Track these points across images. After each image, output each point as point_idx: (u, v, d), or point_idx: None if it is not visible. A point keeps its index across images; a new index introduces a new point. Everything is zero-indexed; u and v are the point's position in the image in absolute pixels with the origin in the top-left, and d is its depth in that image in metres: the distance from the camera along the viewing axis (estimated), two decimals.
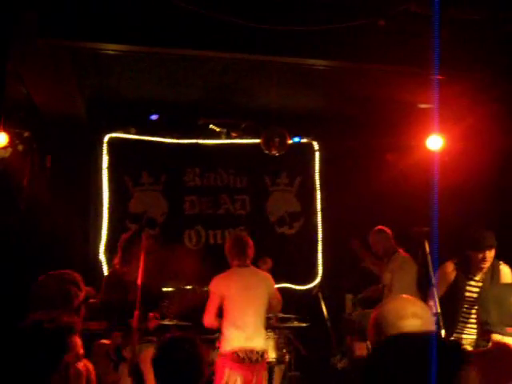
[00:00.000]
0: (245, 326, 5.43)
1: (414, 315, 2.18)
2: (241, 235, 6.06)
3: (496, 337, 3.99)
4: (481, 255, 5.28)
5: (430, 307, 4.30)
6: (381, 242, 6.43)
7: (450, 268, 5.46)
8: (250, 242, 5.76)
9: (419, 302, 2.39)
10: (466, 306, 5.30)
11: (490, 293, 4.91)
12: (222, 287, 5.53)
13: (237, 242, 5.76)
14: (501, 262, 5.37)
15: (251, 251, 5.73)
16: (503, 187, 7.00)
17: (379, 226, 6.55)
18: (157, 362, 3.20)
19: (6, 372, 2.11)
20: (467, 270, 5.39)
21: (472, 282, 5.37)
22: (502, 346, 3.13)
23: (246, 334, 5.41)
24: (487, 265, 5.32)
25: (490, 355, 3.13)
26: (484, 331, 3.25)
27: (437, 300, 4.73)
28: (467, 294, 5.33)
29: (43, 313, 2.49)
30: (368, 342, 4.99)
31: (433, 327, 2.22)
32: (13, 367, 2.14)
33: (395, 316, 2.18)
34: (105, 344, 4.91)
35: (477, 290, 5.33)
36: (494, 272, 5.32)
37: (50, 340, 2.30)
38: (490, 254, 5.30)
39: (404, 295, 2.48)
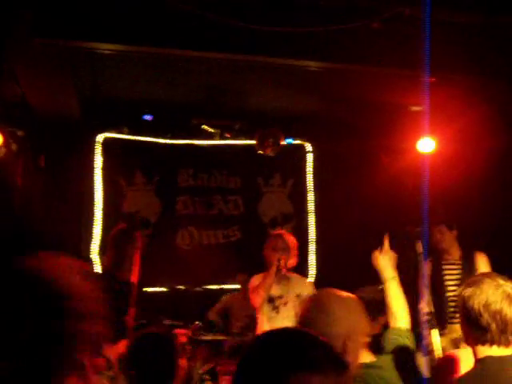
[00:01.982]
0: None
1: None
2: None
3: None
4: (438, 235, 5.68)
5: (422, 308, 4.37)
6: None
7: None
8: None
9: None
10: (451, 289, 5.48)
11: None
12: None
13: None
14: (477, 252, 5.60)
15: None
16: (496, 188, 7.07)
17: None
18: (129, 357, 3.22)
19: None
20: (435, 256, 5.72)
21: (447, 266, 5.60)
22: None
23: None
24: (445, 243, 5.71)
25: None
26: None
27: (429, 299, 4.78)
28: (447, 277, 5.54)
29: None
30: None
31: None
32: None
33: None
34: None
35: (457, 271, 5.53)
36: (469, 260, 5.55)
37: None
38: (441, 231, 5.71)
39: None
